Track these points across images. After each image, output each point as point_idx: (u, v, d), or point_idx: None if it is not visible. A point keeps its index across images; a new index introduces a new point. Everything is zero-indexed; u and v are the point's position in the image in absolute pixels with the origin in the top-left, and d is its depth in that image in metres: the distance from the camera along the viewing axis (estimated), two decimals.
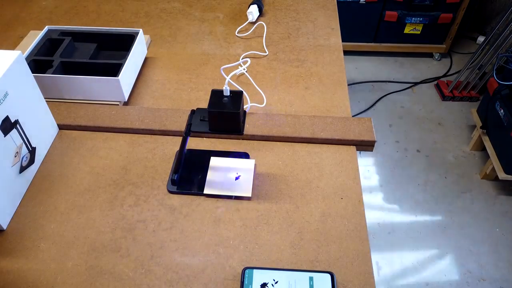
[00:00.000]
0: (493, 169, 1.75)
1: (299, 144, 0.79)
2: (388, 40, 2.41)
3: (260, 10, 1.11)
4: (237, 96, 0.63)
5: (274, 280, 0.58)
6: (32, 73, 0.69)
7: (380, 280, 1.52)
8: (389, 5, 2.23)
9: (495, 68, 1.72)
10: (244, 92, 0.68)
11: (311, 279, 0.58)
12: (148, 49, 1.01)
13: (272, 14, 1.14)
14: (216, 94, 0.63)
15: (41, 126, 0.75)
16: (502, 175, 1.70)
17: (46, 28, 0.93)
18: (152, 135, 0.81)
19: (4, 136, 0.63)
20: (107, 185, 0.72)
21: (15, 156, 0.66)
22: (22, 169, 0.69)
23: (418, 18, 2.25)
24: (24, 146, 0.69)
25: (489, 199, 1.79)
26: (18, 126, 0.66)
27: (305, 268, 0.61)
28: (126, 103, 0.88)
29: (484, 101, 1.91)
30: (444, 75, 2.41)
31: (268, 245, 0.64)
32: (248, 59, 0.71)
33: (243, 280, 0.58)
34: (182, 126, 0.80)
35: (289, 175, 0.73)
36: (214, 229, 0.66)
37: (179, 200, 0.70)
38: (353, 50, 2.46)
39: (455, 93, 2.22)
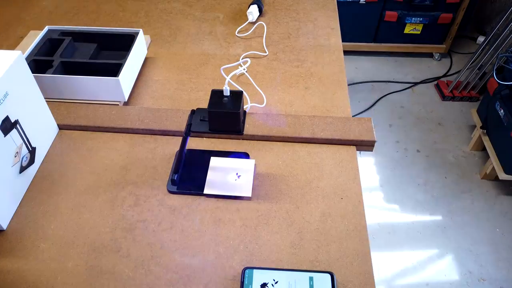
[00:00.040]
0: (493, 169, 1.75)
1: (299, 144, 0.79)
2: (388, 40, 2.41)
3: (260, 10, 1.11)
4: (237, 96, 0.63)
5: (274, 280, 0.58)
6: (32, 73, 0.69)
7: (380, 280, 1.52)
8: (389, 5, 2.23)
9: (495, 68, 1.72)
10: (244, 92, 0.68)
11: (311, 279, 0.58)
12: (148, 49, 1.01)
13: (272, 14, 1.14)
14: (216, 94, 0.63)
15: (41, 126, 0.75)
16: (502, 175, 1.70)
17: (46, 28, 0.93)
18: (152, 135, 0.81)
19: (4, 136, 0.63)
20: (107, 185, 0.72)
21: (15, 156, 0.66)
22: (22, 169, 0.69)
23: (418, 18, 2.25)
24: (24, 146, 0.69)
25: (489, 199, 1.79)
26: (18, 126, 0.66)
27: (305, 268, 0.61)
28: (126, 103, 0.88)
29: (484, 101, 1.91)
30: (444, 75, 2.41)
31: (268, 245, 0.64)
32: (248, 59, 0.71)
33: (243, 280, 0.58)
34: (182, 126, 0.80)
35: (289, 175, 0.73)
36: (214, 229, 0.66)
37: (179, 200, 0.70)
38: (353, 50, 2.46)
39: (455, 93, 2.22)
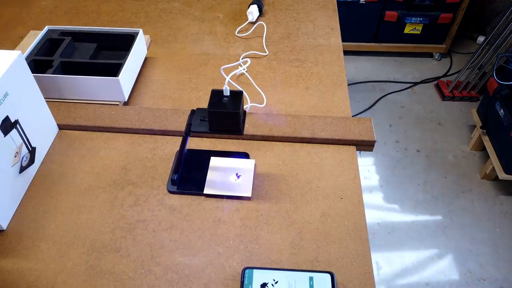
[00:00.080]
0: (493, 169, 1.75)
1: (299, 144, 0.79)
2: (388, 40, 2.41)
3: (260, 10, 1.11)
4: (237, 96, 0.63)
5: (274, 280, 0.58)
6: (32, 73, 0.69)
7: (380, 280, 1.52)
8: (389, 5, 2.23)
9: (495, 68, 1.72)
10: (244, 92, 0.68)
11: (311, 279, 0.58)
12: (148, 49, 1.01)
13: (272, 14, 1.14)
14: (216, 94, 0.63)
15: (41, 126, 0.75)
16: (502, 175, 1.70)
17: (46, 28, 0.93)
18: (152, 135, 0.81)
19: (4, 136, 0.63)
20: (107, 185, 0.72)
21: (15, 156, 0.66)
22: (22, 169, 0.69)
23: (418, 18, 2.25)
24: (24, 146, 0.69)
25: (489, 199, 1.79)
26: (18, 126, 0.66)
27: (305, 268, 0.61)
28: (126, 103, 0.88)
29: (484, 101, 1.91)
30: (444, 75, 2.41)
31: (268, 245, 0.64)
32: (248, 59, 0.71)
33: (243, 280, 0.58)
34: (182, 126, 0.80)
35: (289, 175, 0.73)
36: (214, 229, 0.66)
37: (179, 200, 0.70)
38: (353, 50, 2.46)
39: (455, 93, 2.22)
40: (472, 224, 1.69)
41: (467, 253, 1.60)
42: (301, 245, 0.64)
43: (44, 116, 0.76)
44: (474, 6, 2.50)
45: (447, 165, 1.93)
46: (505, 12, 1.87)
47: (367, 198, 1.79)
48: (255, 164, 0.75)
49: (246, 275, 0.58)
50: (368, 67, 2.46)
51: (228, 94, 0.63)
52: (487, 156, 1.82)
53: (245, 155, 0.76)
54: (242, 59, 0.98)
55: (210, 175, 0.72)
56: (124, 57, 0.86)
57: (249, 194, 0.70)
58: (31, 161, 0.72)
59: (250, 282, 0.58)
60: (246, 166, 0.74)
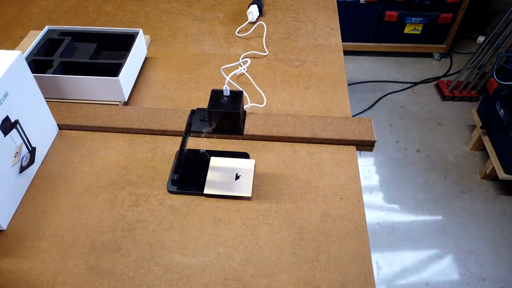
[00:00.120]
0: (493, 169, 1.75)
1: (299, 144, 0.79)
2: (388, 40, 2.41)
3: (260, 10, 1.11)
4: (237, 96, 0.63)
5: None
6: (32, 73, 0.69)
7: (380, 280, 1.52)
8: (389, 5, 2.23)
9: (495, 68, 1.72)
10: (244, 92, 0.68)
11: None
12: (148, 49, 1.01)
13: (272, 14, 1.14)
14: (216, 94, 0.63)
15: (41, 126, 0.75)
16: (502, 175, 1.70)
17: (46, 28, 0.93)
18: (152, 135, 0.81)
19: (4, 136, 0.63)
20: (107, 185, 0.72)
21: (15, 156, 0.66)
22: (22, 169, 0.69)
23: (418, 18, 2.25)
24: (24, 146, 0.69)
25: (489, 199, 1.79)
26: (18, 126, 0.66)
27: (305, 269, 0.61)
28: (126, 103, 0.88)
29: (484, 101, 1.91)
30: (444, 75, 2.41)
31: (268, 245, 0.64)
32: (248, 59, 0.71)
33: None
34: (182, 126, 0.80)
35: (289, 175, 0.73)
36: (214, 229, 0.66)
37: (179, 200, 0.70)
38: (353, 50, 2.46)
39: (455, 93, 2.22)
40: (472, 224, 1.69)
41: (467, 253, 1.60)
42: (301, 245, 0.64)
43: (44, 116, 0.76)
44: (474, 6, 2.50)
45: (447, 165, 1.93)
46: (505, 12, 1.87)
47: (367, 198, 1.79)
48: (255, 164, 0.75)
49: None
50: (368, 67, 2.46)
51: (228, 94, 0.63)
52: (487, 156, 1.82)
53: (245, 155, 0.76)
54: (242, 59, 0.98)
55: (210, 175, 0.72)
56: (124, 57, 0.86)
57: (249, 194, 0.70)
58: (31, 161, 0.72)
59: None
60: (246, 166, 0.74)
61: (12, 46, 1.02)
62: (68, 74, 0.82)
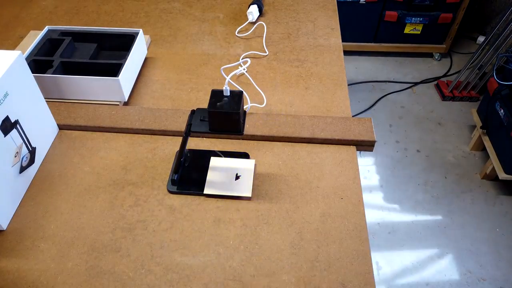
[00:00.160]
0: (493, 169, 1.75)
1: (299, 144, 0.79)
2: (388, 40, 2.41)
3: (260, 10, 1.11)
4: (237, 96, 0.63)
5: None
6: (32, 73, 0.70)
7: (380, 280, 1.52)
8: (389, 5, 2.23)
9: (495, 68, 1.72)
10: (244, 92, 0.68)
11: None
12: (148, 49, 1.01)
13: (272, 14, 1.14)
14: (216, 94, 0.63)
15: (41, 126, 0.75)
16: (502, 175, 1.70)
17: (46, 28, 0.93)
18: (152, 135, 0.81)
19: (4, 136, 0.63)
20: (107, 185, 0.72)
21: (15, 156, 0.66)
22: (22, 169, 0.69)
23: (418, 18, 2.25)
24: (24, 146, 0.69)
25: (489, 199, 1.79)
26: (18, 126, 0.66)
27: (305, 268, 0.61)
28: (126, 103, 0.88)
29: (484, 101, 1.91)
30: (444, 75, 2.41)
31: (268, 245, 0.64)
32: (248, 59, 0.71)
33: None
34: (182, 126, 0.80)
35: (289, 175, 0.73)
36: (214, 229, 0.66)
37: (179, 200, 0.70)
38: (353, 50, 2.46)
39: (455, 93, 2.22)
40: (472, 224, 1.69)
41: (467, 253, 1.60)
42: (301, 245, 0.64)
43: (44, 116, 0.76)
44: (474, 6, 2.50)
45: (447, 165, 1.93)
46: (505, 12, 1.87)
47: (367, 198, 1.79)
48: (255, 164, 0.75)
49: None
50: (368, 67, 2.46)
51: (228, 94, 0.63)
52: (487, 156, 1.82)
53: (245, 155, 0.76)
54: (242, 59, 0.98)
55: (210, 175, 0.72)
56: (124, 57, 0.86)
57: (249, 194, 0.70)
58: (31, 161, 0.72)
59: None
60: (246, 166, 0.74)
61: (12, 46, 1.02)
62: (68, 74, 0.82)
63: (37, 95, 0.72)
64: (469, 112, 2.12)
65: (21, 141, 0.68)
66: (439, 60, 2.50)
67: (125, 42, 0.92)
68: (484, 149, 1.91)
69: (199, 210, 0.68)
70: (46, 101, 0.75)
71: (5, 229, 0.66)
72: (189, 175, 0.73)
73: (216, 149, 0.78)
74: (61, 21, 1.11)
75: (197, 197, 0.70)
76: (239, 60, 0.98)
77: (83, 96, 0.85)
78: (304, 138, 0.78)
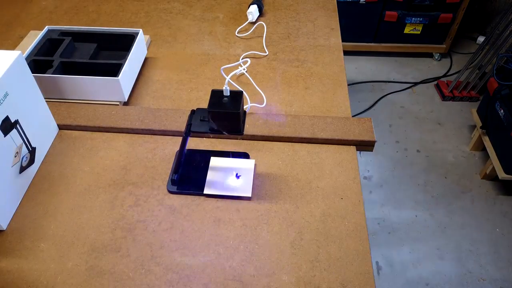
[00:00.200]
0: (493, 169, 1.75)
1: (299, 144, 0.79)
2: (388, 40, 2.41)
3: (260, 10, 1.11)
4: (237, 96, 0.63)
5: None
6: (32, 73, 0.69)
7: (380, 280, 1.52)
8: (389, 5, 2.23)
9: (495, 68, 1.72)
10: (244, 92, 0.68)
11: None
12: (148, 49, 1.01)
13: (272, 14, 1.14)
14: (216, 94, 0.63)
15: (41, 126, 0.75)
16: (502, 175, 1.70)
17: (46, 28, 0.93)
18: (152, 135, 0.81)
19: (4, 136, 0.63)
20: (107, 185, 0.72)
21: (15, 156, 0.66)
22: (22, 169, 0.69)
23: (418, 18, 2.25)
24: (24, 146, 0.69)
25: (489, 199, 1.79)
26: (18, 126, 0.66)
27: (305, 268, 0.61)
28: (126, 103, 0.88)
29: (484, 101, 1.91)
30: (444, 75, 2.41)
31: (268, 245, 0.64)
32: (248, 59, 0.71)
33: None
34: (182, 126, 0.80)
35: (289, 175, 0.73)
36: (214, 229, 0.66)
37: (179, 200, 0.70)
38: (353, 50, 2.46)
39: (455, 93, 2.22)
40: (472, 224, 1.69)
41: (467, 253, 1.60)
42: (301, 245, 0.64)
43: (44, 116, 0.76)
44: (474, 6, 2.50)
45: (447, 165, 1.92)
46: (505, 12, 1.87)
47: (367, 198, 1.79)
48: (255, 164, 0.75)
49: None
50: (368, 67, 2.46)
51: (228, 94, 0.63)
52: (487, 156, 1.82)
53: (245, 155, 0.76)
54: (242, 59, 0.98)
55: (210, 175, 0.72)
56: (124, 57, 0.86)
57: (249, 194, 0.70)
58: (31, 161, 0.72)
59: None
60: (246, 166, 0.74)
61: (12, 46, 1.02)
62: (68, 74, 0.82)
63: (37, 95, 0.72)
64: (469, 112, 2.12)
65: (21, 141, 0.68)
66: (439, 60, 2.50)
67: (125, 42, 0.92)
68: (484, 149, 1.90)
69: (199, 210, 0.68)
70: (46, 101, 0.75)
71: (5, 229, 0.66)
72: (189, 175, 0.73)
73: (216, 149, 0.78)
74: (61, 21, 1.11)
75: (197, 197, 0.70)
76: (239, 60, 0.98)
77: (83, 96, 0.85)
78: (304, 138, 0.78)
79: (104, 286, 0.59)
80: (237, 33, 1.07)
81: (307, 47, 1.02)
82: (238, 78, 0.94)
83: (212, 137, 0.80)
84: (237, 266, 0.61)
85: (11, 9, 1.16)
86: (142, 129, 0.80)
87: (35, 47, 0.88)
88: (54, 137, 0.80)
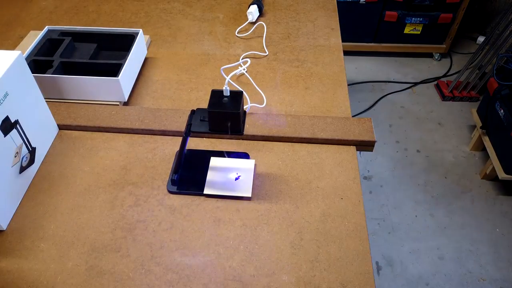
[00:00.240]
0: (493, 169, 1.75)
1: (299, 144, 0.79)
2: (388, 40, 2.41)
3: (260, 10, 1.11)
4: (237, 96, 0.63)
5: None
6: (32, 73, 0.69)
7: (380, 280, 1.52)
8: (389, 5, 2.23)
9: (495, 68, 1.72)
10: (244, 92, 0.68)
11: None
12: (148, 49, 1.01)
13: (272, 14, 1.14)
14: (216, 94, 0.63)
15: (41, 126, 0.75)
16: (502, 175, 1.70)
17: (46, 28, 0.93)
18: (152, 135, 0.81)
19: (4, 136, 0.63)
20: (107, 185, 0.72)
21: (15, 156, 0.66)
22: (22, 169, 0.69)
23: (418, 18, 2.25)
24: (24, 146, 0.69)
25: (489, 199, 1.79)
26: (18, 126, 0.66)
27: (305, 268, 0.61)
28: (126, 103, 0.88)
29: (484, 101, 1.91)
30: (444, 75, 2.41)
31: (268, 245, 0.64)
32: (248, 59, 0.71)
33: None
34: (182, 126, 0.80)
35: (289, 175, 0.73)
36: (214, 229, 0.66)
37: (179, 200, 0.70)
38: (353, 50, 2.46)
39: (455, 93, 2.22)
40: (472, 224, 1.69)
41: (467, 253, 1.60)
42: (301, 245, 0.64)
43: (44, 116, 0.76)
44: (474, 6, 2.50)
45: (447, 165, 1.92)
46: (505, 12, 1.87)
47: (367, 198, 1.79)
48: (255, 164, 0.75)
49: None
50: (368, 67, 2.46)
51: (228, 94, 0.63)
52: (487, 156, 1.82)
53: (245, 155, 0.76)
54: (242, 59, 0.98)
55: (210, 175, 0.72)
56: (124, 57, 0.86)
57: (249, 194, 0.70)
58: (31, 161, 0.72)
59: None
60: (246, 166, 0.74)
61: (12, 46, 1.02)
62: (68, 74, 0.82)
63: (37, 95, 0.72)
64: (469, 112, 2.12)
65: (21, 141, 0.68)
66: (439, 60, 2.50)
67: (125, 42, 0.92)
68: (484, 149, 1.90)
69: (199, 210, 0.68)
70: (46, 101, 0.75)
71: (5, 229, 0.66)
72: (189, 175, 0.73)
73: (216, 149, 0.78)
74: (61, 21, 1.11)
75: (197, 197, 0.70)
76: (239, 60, 0.98)
77: (83, 96, 0.85)
78: (304, 138, 0.78)
79: (104, 286, 0.59)
80: (237, 33, 1.07)
81: (307, 47, 1.02)
82: (238, 78, 0.94)
83: (212, 137, 0.80)
84: (237, 266, 0.61)
85: (11, 9, 1.16)
86: (142, 129, 0.80)
87: (35, 47, 0.88)
88: (54, 137, 0.80)
